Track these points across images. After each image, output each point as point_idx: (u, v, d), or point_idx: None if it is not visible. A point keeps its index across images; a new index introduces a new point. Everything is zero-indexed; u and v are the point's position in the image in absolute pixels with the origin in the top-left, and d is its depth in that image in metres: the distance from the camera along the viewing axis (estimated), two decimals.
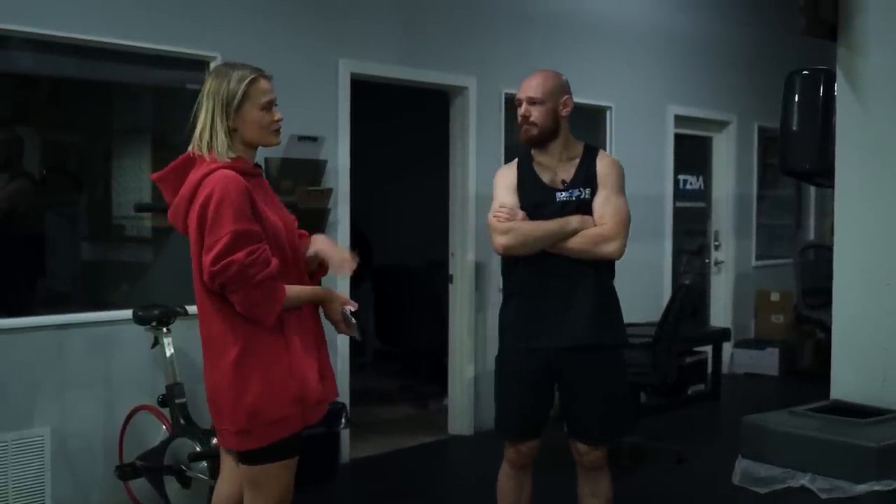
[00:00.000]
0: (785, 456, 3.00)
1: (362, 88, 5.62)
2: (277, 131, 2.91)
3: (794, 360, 8.53)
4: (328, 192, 5.34)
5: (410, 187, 8.48)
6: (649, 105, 7.59)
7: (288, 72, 4.76)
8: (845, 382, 3.42)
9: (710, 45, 8.14)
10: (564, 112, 3.53)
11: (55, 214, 5.01)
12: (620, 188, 3.52)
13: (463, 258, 6.15)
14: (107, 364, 4.53)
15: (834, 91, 3.43)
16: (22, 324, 4.30)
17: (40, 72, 4.72)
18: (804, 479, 2.91)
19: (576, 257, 3.42)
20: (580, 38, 6.85)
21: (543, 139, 3.52)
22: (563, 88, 3.55)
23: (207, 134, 2.80)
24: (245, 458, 2.83)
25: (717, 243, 8.61)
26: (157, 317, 4.39)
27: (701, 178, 8.53)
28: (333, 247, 3.12)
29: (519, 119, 3.55)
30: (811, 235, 9.48)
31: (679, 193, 8.15)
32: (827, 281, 3.59)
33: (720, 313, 8.55)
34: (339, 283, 5.24)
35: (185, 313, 4.37)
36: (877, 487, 2.78)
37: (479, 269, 6.17)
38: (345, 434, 5.45)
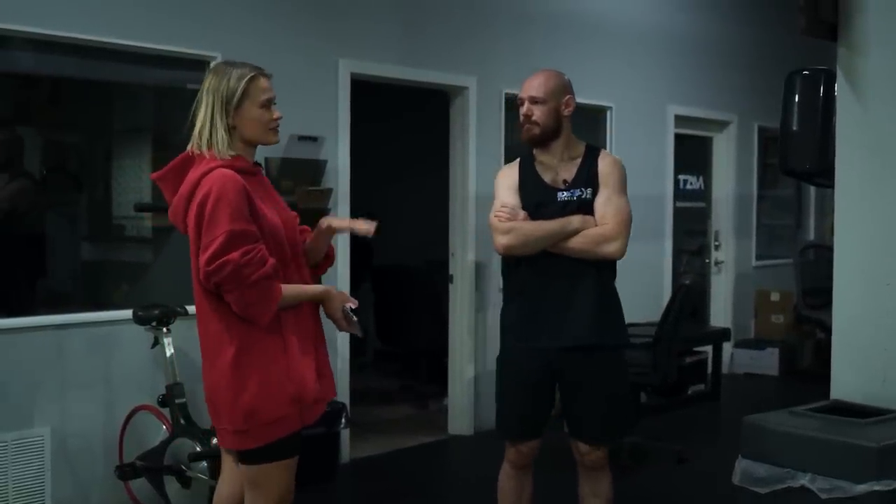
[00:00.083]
0: (785, 456, 3.00)
1: (362, 88, 5.62)
2: (276, 129, 2.91)
3: (794, 360, 8.52)
4: (328, 192, 5.34)
5: (410, 187, 8.48)
6: (650, 105, 7.59)
7: (288, 72, 4.76)
8: (845, 382, 3.42)
9: (710, 45, 8.14)
10: (566, 112, 3.52)
11: (55, 214, 5.00)
12: (622, 188, 3.51)
13: (463, 258, 6.15)
14: (107, 364, 4.53)
15: (834, 91, 3.43)
16: (22, 324, 4.30)
17: (41, 72, 4.72)
18: (804, 479, 2.91)
19: (577, 257, 3.42)
20: (580, 38, 6.85)
21: (545, 139, 3.52)
22: (565, 88, 3.54)
23: (207, 131, 2.80)
24: (244, 457, 2.83)
25: (717, 243, 8.61)
26: (157, 317, 4.39)
27: (701, 178, 8.52)
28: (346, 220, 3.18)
29: (521, 118, 3.54)
30: (811, 235, 9.47)
31: (679, 193, 8.14)
32: (827, 281, 3.59)
33: (720, 313, 8.55)
34: (340, 283, 5.25)
35: (185, 313, 4.36)
36: (877, 487, 2.78)
37: (480, 269, 6.17)
38: (345, 434, 5.45)
